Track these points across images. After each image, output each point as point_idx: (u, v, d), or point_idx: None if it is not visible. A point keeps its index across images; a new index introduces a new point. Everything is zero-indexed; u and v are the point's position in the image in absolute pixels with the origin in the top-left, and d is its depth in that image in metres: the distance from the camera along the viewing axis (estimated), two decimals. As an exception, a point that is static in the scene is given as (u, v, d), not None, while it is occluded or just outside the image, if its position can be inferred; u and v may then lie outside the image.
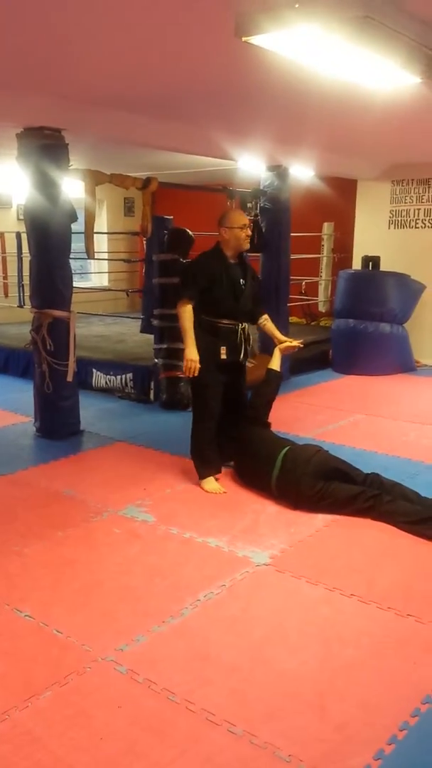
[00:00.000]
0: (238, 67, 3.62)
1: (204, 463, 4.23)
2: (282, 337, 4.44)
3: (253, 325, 4.44)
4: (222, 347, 4.15)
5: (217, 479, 4.22)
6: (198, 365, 4.03)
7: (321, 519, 3.75)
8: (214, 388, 4.20)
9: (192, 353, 4.03)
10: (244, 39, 2.80)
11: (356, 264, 8.57)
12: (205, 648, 2.59)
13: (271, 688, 2.37)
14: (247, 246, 4.23)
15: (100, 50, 3.39)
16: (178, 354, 6.13)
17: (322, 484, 3.76)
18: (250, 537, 3.54)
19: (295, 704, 2.28)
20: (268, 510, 3.88)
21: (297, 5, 2.58)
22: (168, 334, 6.12)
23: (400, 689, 2.36)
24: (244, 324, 4.25)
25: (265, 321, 4.44)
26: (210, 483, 4.18)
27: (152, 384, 6.33)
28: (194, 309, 4.08)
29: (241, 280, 4.18)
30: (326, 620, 2.79)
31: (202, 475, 4.21)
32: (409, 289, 7.69)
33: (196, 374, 4.04)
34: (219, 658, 2.53)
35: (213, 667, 2.48)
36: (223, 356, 4.15)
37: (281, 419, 5.71)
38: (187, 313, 4.06)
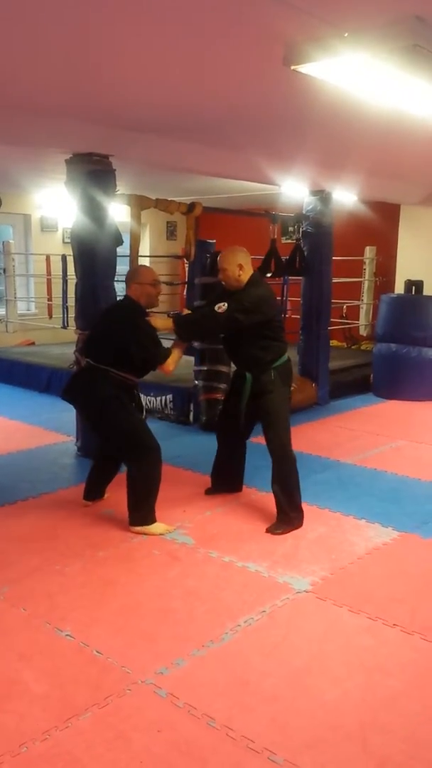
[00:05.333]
0: (285, 94, 3.66)
1: (153, 507, 3.90)
2: None
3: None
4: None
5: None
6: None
7: (363, 546, 3.70)
8: None
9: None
10: (292, 68, 2.83)
11: (398, 288, 8.52)
12: (246, 674, 2.56)
13: (312, 717, 2.33)
14: (158, 304, 4.03)
15: (149, 79, 3.46)
16: (219, 376, 6.18)
17: None
18: (290, 563, 3.51)
19: (337, 735, 2.24)
20: (309, 536, 3.84)
21: (346, 34, 2.60)
22: (208, 355, 6.16)
23: (445, 724, 2.30)
24: None
25: None
26: (161, 526, 3.90)
27: (192, 406, 6.36)
28: (115, 365, 3.87)
29: None
30: (368, 650, 2.74)
31: (152, 519, 3.88)
32: (452, 314, 7.61)
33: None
34: (259, 685, 2.50)
35: (253, 694, 2.45)
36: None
37: (320, 444, 5.68)
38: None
